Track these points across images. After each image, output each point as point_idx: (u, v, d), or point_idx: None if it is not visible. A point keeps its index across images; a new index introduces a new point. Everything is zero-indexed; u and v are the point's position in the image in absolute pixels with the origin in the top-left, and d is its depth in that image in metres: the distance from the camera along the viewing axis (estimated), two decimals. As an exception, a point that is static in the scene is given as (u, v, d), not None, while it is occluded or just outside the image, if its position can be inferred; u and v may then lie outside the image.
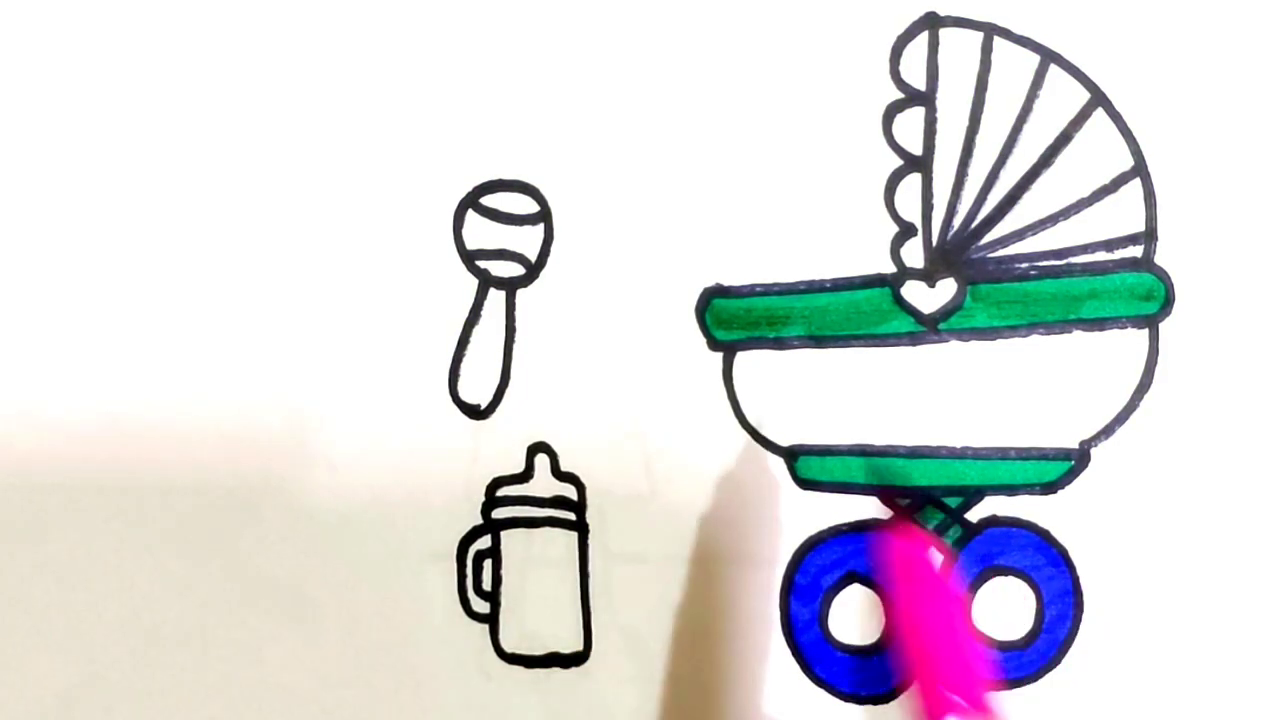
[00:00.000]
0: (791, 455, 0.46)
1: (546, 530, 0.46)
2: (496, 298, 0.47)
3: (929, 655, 0.42)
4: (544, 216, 0.47)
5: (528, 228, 0.47)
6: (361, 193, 0.47)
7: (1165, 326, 0.46)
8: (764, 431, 0.46)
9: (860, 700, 0.46)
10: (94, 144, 0.47)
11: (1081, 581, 0.46)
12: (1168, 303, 0.46)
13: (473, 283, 0.47)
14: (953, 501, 0.46)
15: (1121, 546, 0.46)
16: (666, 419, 0.46)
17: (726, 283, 0.47)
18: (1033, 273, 0.46)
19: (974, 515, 0.46)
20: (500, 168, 0.47)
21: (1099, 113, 0.46)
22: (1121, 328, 0.46)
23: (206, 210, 0.47)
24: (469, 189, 0.47)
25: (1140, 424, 0.46)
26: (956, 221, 0.46)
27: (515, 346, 0.47)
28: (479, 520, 0.46)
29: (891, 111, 0.47)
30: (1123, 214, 0.46)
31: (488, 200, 0.47)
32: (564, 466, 0.46)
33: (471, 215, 0.47)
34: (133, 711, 0.46)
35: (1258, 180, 0.46)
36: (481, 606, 0.46)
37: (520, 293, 0.47)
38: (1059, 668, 0.46)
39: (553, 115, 0.47)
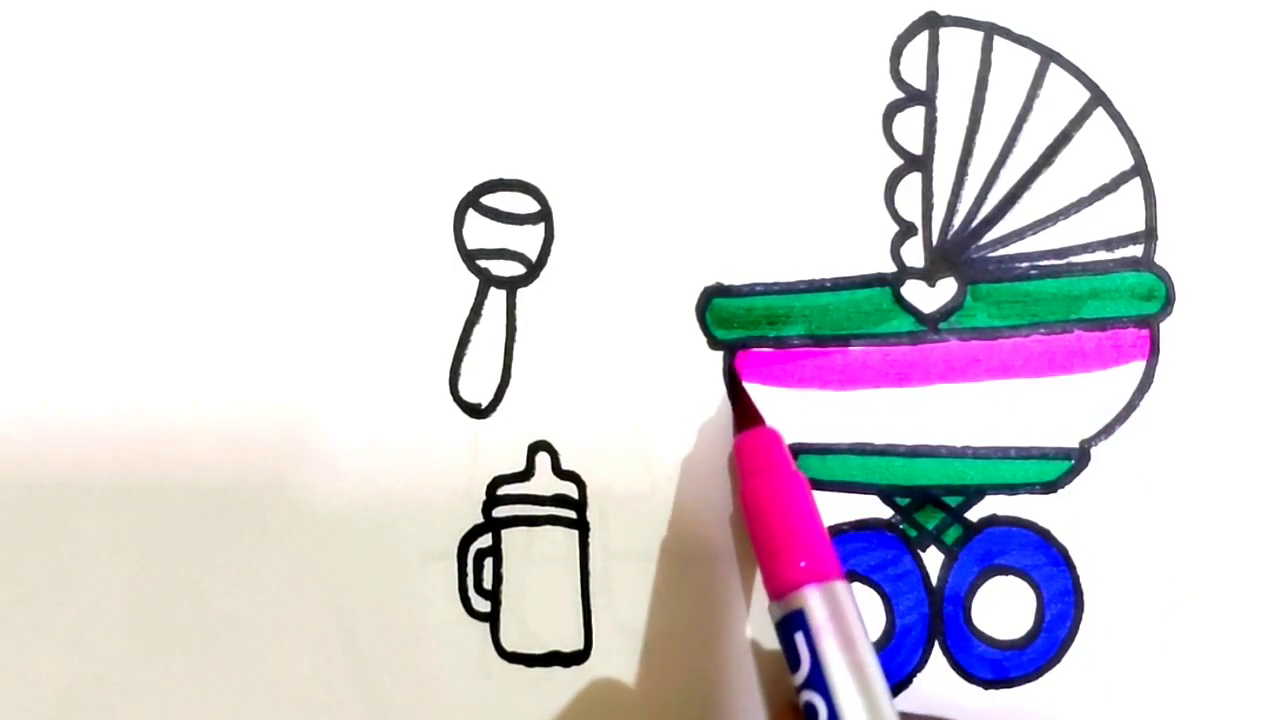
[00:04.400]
0: (792, 454, 0.46)
1: (547, 529, 0.46)
2: (497, 297, 0.47)
3: (780, 533, 0.42)
4: (544, 216, 0.47)
5: (528, 227, 0.47)
6: (362, 193, 0.47)
7: (1165, 326, 0.46)
8: (764, 431, 0.46)
9: (860, 699, 0.46)
10: (94, 144, 0.47)
11: (1081, 581, 0.46)
12: (1168, 302, 0.46)
13: (473, 282, 0.47)
14: (953, 500, 0.46)
15: (1121, 546, 0.46)
16: (667, 418, 0.46)
17: (726, 282, 0.47)
18: (1033, 272, 0.46)
19: (974, 514, 0.46)
20: (500, 167, 0.47)
21: (1099, 112, 0.46)
22: (1122, 327, 0.46)
23: (206, 210, 0.47)
24: (469, 188, 0.47)
25: (1140, 423, 0.46)
26: (957, 221, 0.46)
27: (516, 346, 0.47)
28: (479, 519, 0.46)
29: (891, 111, 0.47)
30: (1123, 213, 0.46)
31: (488, 200, 0.47)
32: (565, 465, 0.46)
33: (472, 215, 0.47)
34: (133, 711, 0.46)
35: (1258, 180, 0.46)
36: (482, 605, 0.46)
37: (521, 292, 0.47)
38: (1059, 667, 0.46)
39: (553, 115, 0.47)
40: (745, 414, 0.45)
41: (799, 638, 0.41)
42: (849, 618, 0.41)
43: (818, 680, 0.40)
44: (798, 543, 0.42)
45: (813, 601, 0.41)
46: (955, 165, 0.46)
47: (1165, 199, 0.46)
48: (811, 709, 0.40)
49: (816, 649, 0.41)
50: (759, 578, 0.46)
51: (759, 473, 0.43)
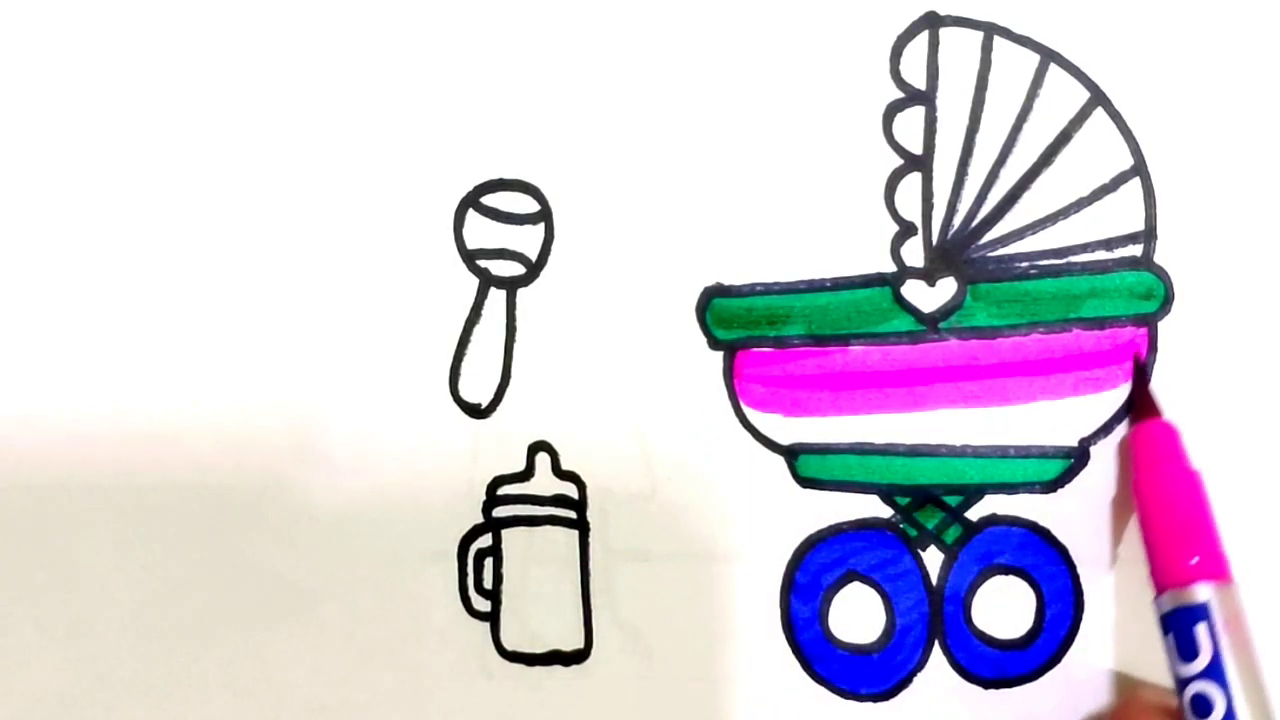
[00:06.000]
0: (792, 454, 0.46)
1: (547, 529, 0.46)
2: (497, 297, 0.47)
3: (1181, 527, 0.43)
4: (544, 216, 0.47)
5: (528, 227, 0.47)
6: (362, 193, 0.47)
7: (1164, 325, 0.46)
8: (764, 430, 0.46)
9: (860, 699, 0.46)
10: (94, 144, 0.47)
11: (1081, 580, 0.46)
12: (1167, 302, 0.46)
13: (473, 282, 0.47)
14: (952, 500, 0.46)
15: (1121, 545, 0.46)
16: (666, 418, 0.46)
17: (726, 282, 0.47)
18: (1033, 272, 0.46)
19: (974, 514, 0.46)
20: (500, 167, 0.47)
21: (1099, 112, 0.46)
22: (1121, 326, 0.46)
23: (207, 210, 0.47)
24: (469, 188, 0.47)
25: (1139, 422, 0.46)
26: (957, 221, 0.46)
27: (516, 346, 0.47)
28: (480, 519, 0.46)
29: (891, 111, 0.47)
30: (1122, 213, 0.46)
31: (488, 200, 0.47)
32: (564, 465, 0.46)
33: (472, 215, 0.47)
34: (133, 711, 0.46)
35: (1258, 180, 0.46)
36: (482, 605, 0.46)
37: (521, 292, 0.47)
38: (1059, 667, 0.46)
39: (553, 115, 0.47)
40: (1143, 405, 0.46)
41: (1200, 630, 0.42)
42: (1245, 618, 0.42)
43: (1218, 674, 0.41)
44: (1198, 538, 0.43)
45: (1215, 598, 0.42)
46: (955, 165, 0.46)
47: (1165, 199, 0.46)
48: (1206, 701, 0.41)
49: (1218, 643, 0.41)
50: (769, 574, 0.46)
51: (1157, 465, 0.44)
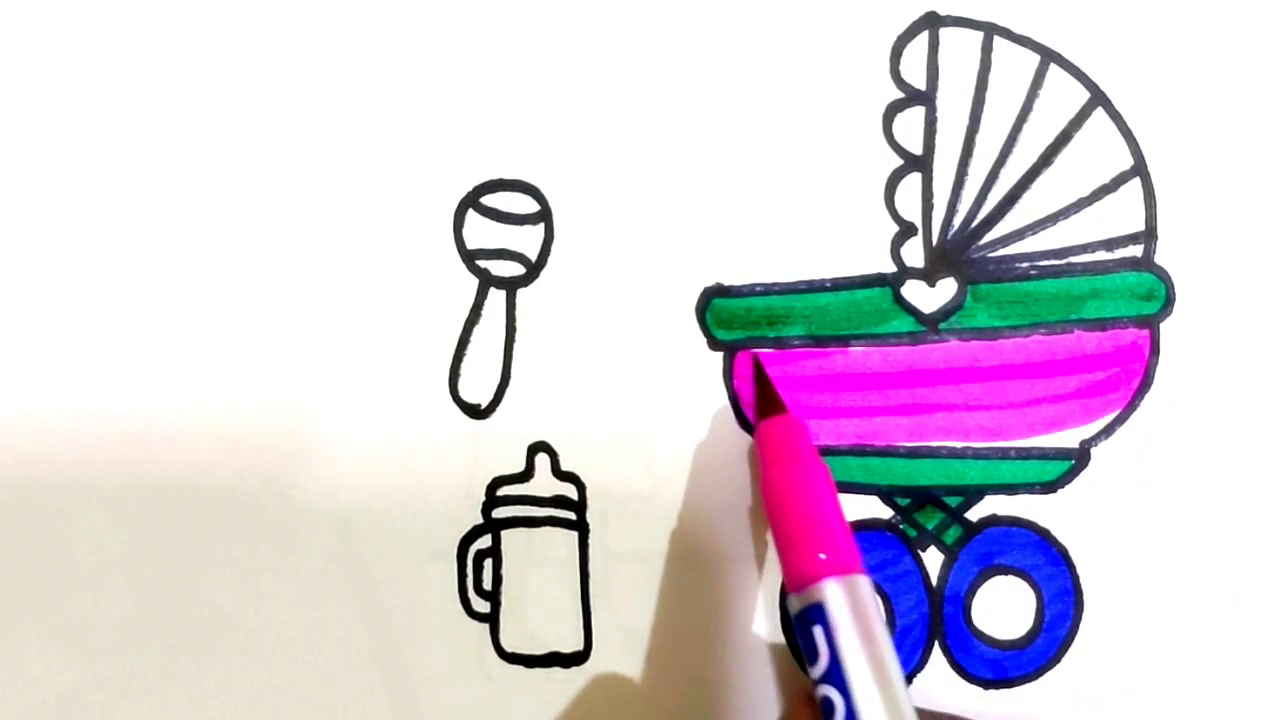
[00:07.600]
0: (791, 455, 0.46)
1: (547, 530, 0.46)
2: (497, 297, 0.47)
3: (801, 523, 0.41)
4: (544, 216, 0.47)
5: (528, 227, 0.47)
6: (362, 193, 0.47)
7: (1165, 326, 0.46)
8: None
9: (860, 700, 0.46)
10: (94, 144, 0.47)
11: (1081, 581, 0.46)
12: (1168, 302, 0.46)
13: (473, 282, 0.47)
14: (953, 501, 0.46)
15: (1121, 546, 0.46)
16: (666, 419, 0.46)
17: (726, 282, 0.47)
18: (1033, 272, 0.46)
19: (974, 515, 0.46)
20: (500, 167, 0.47)
21: (1099, 112, 0.46)
22: (1122, 327, 0.46)
23: (207, 210, 0.47)
24: (469, 189, 0.47)
25: (1140, 423, 0.46)
26: (957, 221, 0.46)
27: (515, 346, 0.47)
28: (479, 520, 0.46)
29: (891, 111, 0.47)
30: (1123, 213, 0.46)
31: (488, 200, 0.47)
32: (564, 466, 0.46)
33: (472, 215, 0.47)
34: (133, 711, 0.46)
35: (1258, 180, 0.46)
36: (482, 606, 0.46)
37: (520, 292, 0.47)
38: (1059, 667, 0.46)
39: (553, 115, 0.47)
40: (768, 401, 0.44)
41: (817, 631, 0.40)
42: (869, 612, 0.40)
43: (836, 675, 0.39)
44: (818, 534, 0.41)
45: (832, 595, 0.40)
46: (955, 165, 0.46)
47: (1165, 199, 0.46)
48: (829, 704, 0.39)
49: (835, 643, 0.39)
50: (768, 575, 0.46)
51: (780, 461, 0.42)
